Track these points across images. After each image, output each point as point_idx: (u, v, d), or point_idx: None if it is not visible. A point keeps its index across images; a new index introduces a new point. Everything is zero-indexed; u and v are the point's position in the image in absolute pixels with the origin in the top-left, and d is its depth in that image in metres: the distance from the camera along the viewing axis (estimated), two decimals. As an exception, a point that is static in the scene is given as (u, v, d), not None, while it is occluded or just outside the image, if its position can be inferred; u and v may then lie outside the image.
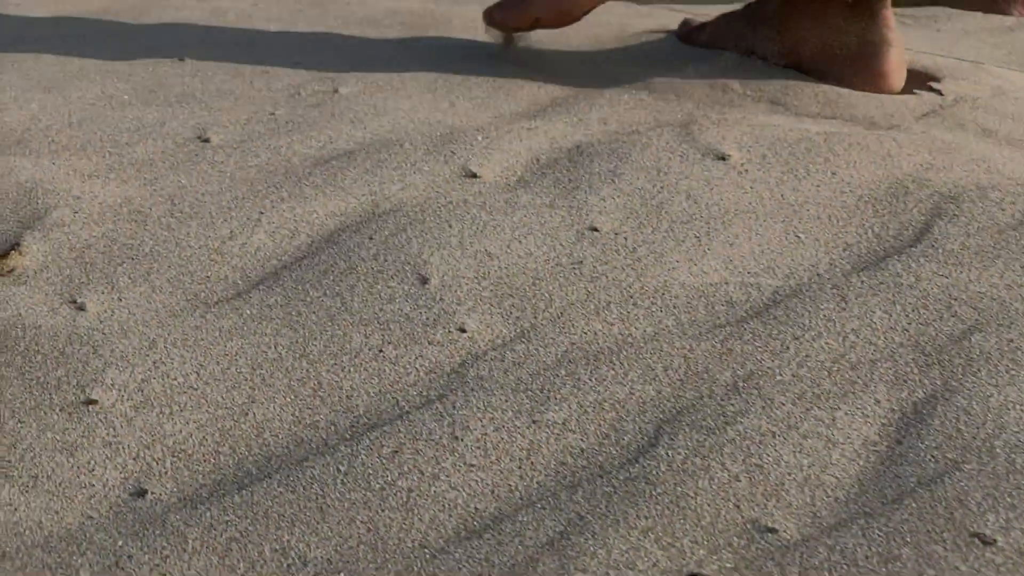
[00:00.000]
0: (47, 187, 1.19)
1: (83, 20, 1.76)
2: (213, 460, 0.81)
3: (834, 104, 1.38)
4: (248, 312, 0.98)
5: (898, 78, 1.43)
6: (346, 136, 1.31)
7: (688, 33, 1.63)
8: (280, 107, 1.41)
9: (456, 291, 0.99)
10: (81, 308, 0.99)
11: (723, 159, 1.22)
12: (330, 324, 0.96)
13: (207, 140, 1.32)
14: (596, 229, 1.08)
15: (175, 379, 0.90)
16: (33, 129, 1.35)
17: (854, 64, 1.42)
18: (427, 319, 0.96)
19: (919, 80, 1.46)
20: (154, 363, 0.91)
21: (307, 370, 0.90)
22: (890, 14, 1.43)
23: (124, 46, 1.63)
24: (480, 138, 1.28)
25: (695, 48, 1.61)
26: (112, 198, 1.17)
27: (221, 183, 1.20)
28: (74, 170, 1.24)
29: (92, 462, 0.81)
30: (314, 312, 0.97)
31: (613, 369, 0.89)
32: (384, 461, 0.80)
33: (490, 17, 1.56)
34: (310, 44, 1.64)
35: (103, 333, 0.95)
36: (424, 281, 1.01)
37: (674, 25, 1.73)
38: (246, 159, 1.26)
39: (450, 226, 1.09)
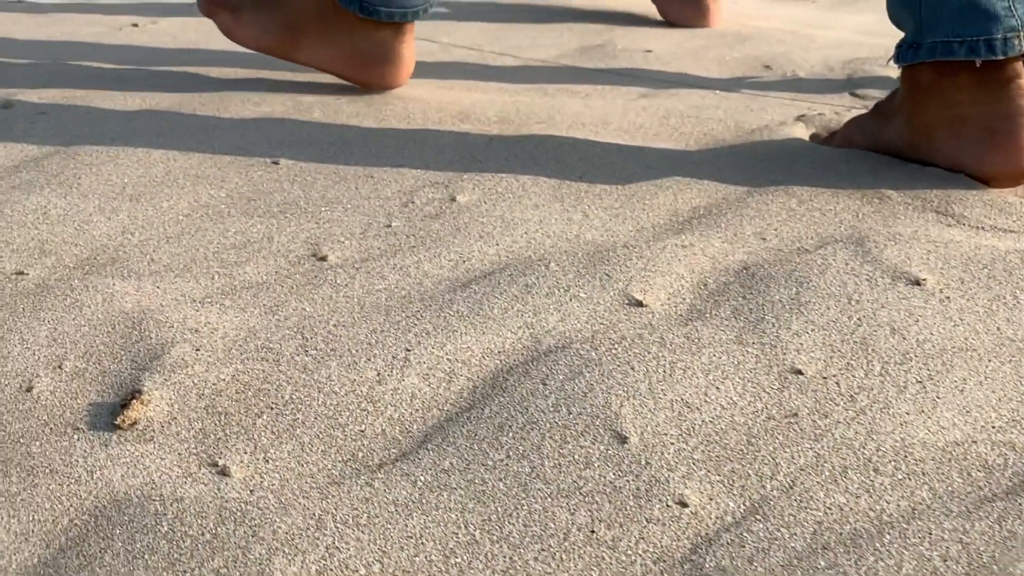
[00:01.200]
0: (158, 317, 1.05)
1: (158, 115, 1.64)
2: None
3: (1007, 213, 1.26)
4: (422, 479, 0.84)
5: None
6: (479, 254, 1.18)
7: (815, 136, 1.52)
8: (395, 218, 1.28)
9: (662, 452, 0.85)
10: (224, 472, 0.85)
11: (917, 284, 1.08)
12: (524, 496, 0.82)
13: (323, 258, 1.18)
14: (800, 372, 0.95)
15: (356, 571, 0.75)
16: (127, 245, 1.22)
17: (989, 140, 1.29)
18: (637, 489, 0.82)
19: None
20: (327, 549, 0.77)
21: (511, 558, 0.76)
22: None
23: (209, 146, 1.50)
24: (634, 258, 1.15)
25: (826, 148, 1.49)
26: (233, 330, 1.04)
27: (352, 312, 1.07)
28: (183, 295, 1.11)
29: None
30: (501, 480, 0.83)
31: (881, 559, 0.74)
32: None
33: None
34: (409, 142, 1.51)
35: (258, 508, 0.81)
36: (622, 440, 0.87)
37: (789, 119, 1.62)
38: (372, 281, 1.13)
39: (633, 369, 0.95)
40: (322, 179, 1.39)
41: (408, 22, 1.69)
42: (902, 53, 1.38)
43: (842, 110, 1.67)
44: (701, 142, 1.54)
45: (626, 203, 1.31)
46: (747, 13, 2.48)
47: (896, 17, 1.41)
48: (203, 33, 2.26)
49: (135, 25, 2.34)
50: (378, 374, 0.97)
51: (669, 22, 2.36)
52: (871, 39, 2.25)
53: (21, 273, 1.16)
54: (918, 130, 1.37)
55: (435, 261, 1.17)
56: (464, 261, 1.17)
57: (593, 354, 0.98)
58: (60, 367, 0.98)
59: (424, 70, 1.91)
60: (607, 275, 1.12)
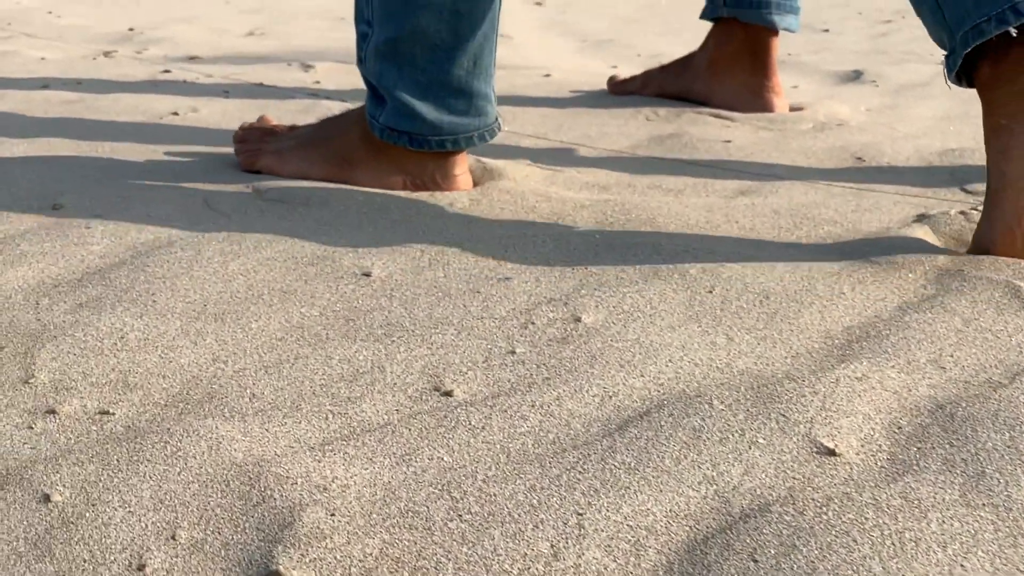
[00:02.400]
0: (276, 471, 0.91)
1: (224, 218, 1.50)
2: None
3: None
4: None
5: None
6: (625, 387, 1.04)
7: None
8: (518, 343, 1.14)
9: (924, 656, 0.71)
10: None
11: None
12: None
13: (448, 393, 1.04)
14: (1050, 542, 0.81)
15: None
16: (221, 376, 1.08)
17: None
18: None
19: None
20: None
21: None
22: None
23: (289, 254, 1.37)
24: (807, 394, 1.01)
25: (963, 255, 1.36)
26: (368, 488, 0.89)
27: (498, 463, 0.93)
28: (298, 440, 0.96)
29: None
30: None
31: None
32: None
33: None
34: (508, 248, 1.38)
35: None
36: (872, 638, 0.73)
37: (909, 219, 1.49)
38: (512, 423, 0.99)
39: (855, 541, 0.81)
40: (423, 295, 1.26)
41: (461, 150, 1.59)
42: (949, 65, 1.31)
43: (959, 206, 1.55)
44: (823, 247, 1.41)
45: (769, 323, 1.18)
46: (807, 99, 2.36)
47: (936, 37, 1.34)
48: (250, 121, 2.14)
49: (175, 114, 2.21)
50: (552, 546, 0.82)
51: (720, 107, 2.25)
52: (955, 126, 2.14)
53: (106, 413, 1.02)
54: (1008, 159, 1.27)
55: (577, 397, 1.03)
56: (610, 397, 1.03)
57: (801, 521, 0.84)
58: (173, 537, 0.84)
59: (498, 157, 1.79)
60: (783, 415, 0.98)
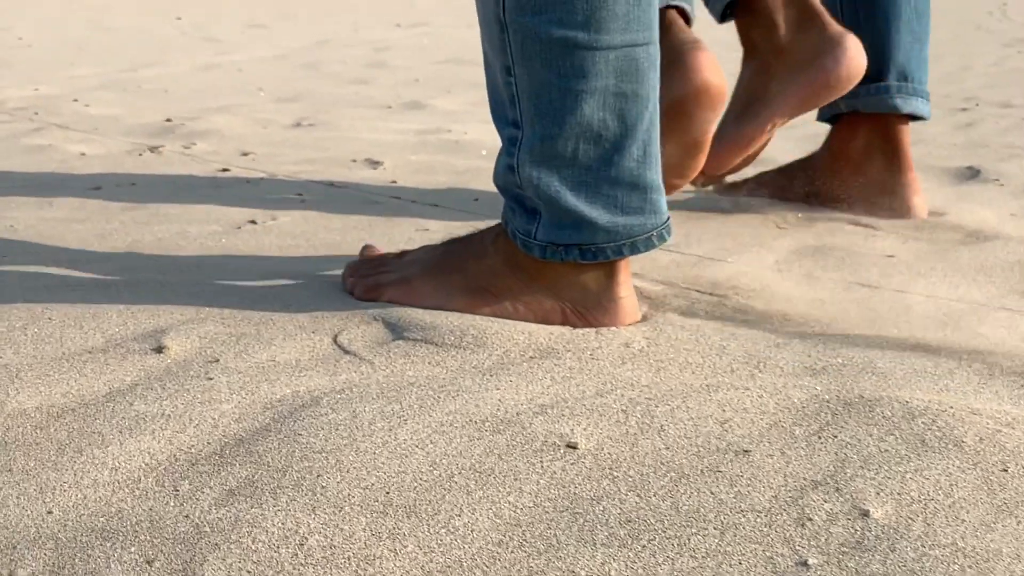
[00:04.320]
0: None
1: (365, 364, 1.27)
2: None
3: None
4: None
5: None
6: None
7: None
8: (804, 549, 0.91)
9: None
10: None
11: None
12: None
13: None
14: None
15: None
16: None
17: None
18: None
19: None
20: None
21: None
22: None
23: (468, 417, 1.14)
24: None
25: None
26: None
27: None
28: None
29: None
30: None
31: None
32: None
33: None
34: (722, 403, 1.15)
35: None
36: None
37: None
38: None
39: None
40: (653, 475, 1.02)
41: (639, 253, 1.36)
42: None
43: None
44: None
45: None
46: (940, 205, 2.15)
47: None
48: (337, 231, 1.91)
49: (253, 223, 1.99)
50: None
51: (852, 211, 2.04)
52: None
53: (315, 666, 0.77)
54: None
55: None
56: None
57: None
58: None
59: (640, 278, 1.56)
60: None
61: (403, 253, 1.55)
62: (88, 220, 1.97)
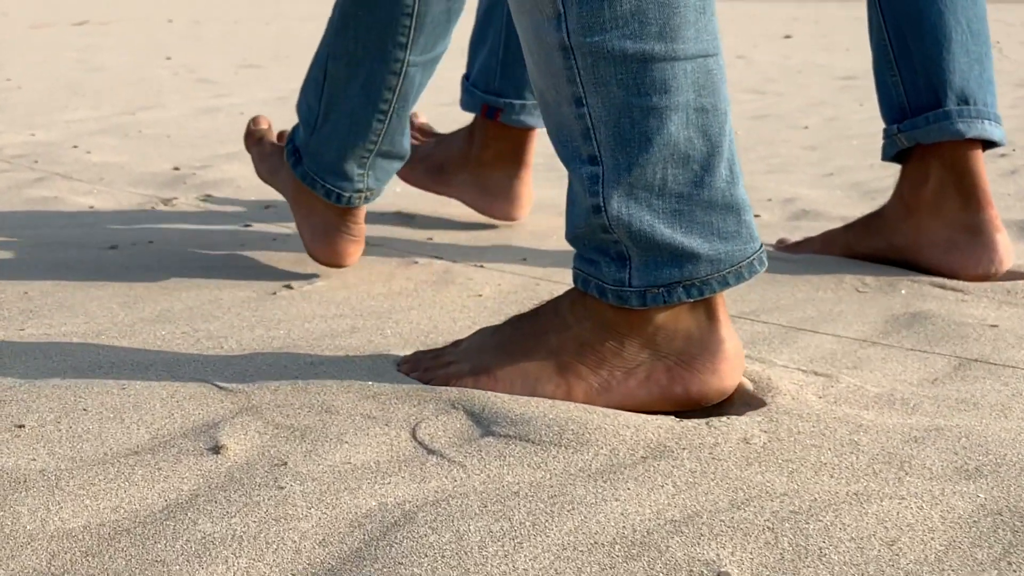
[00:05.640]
0: None
1: (450, 469, 1.11)
2: None
3: None
4: None
5: None
6: None
7: None
8: None
9: None
10: None
11: None
12: None
13: None
14: None
15: None
16: None
17: None
18: None
19: None
20: None
21: None
22: None
23: (592, 537, 0.98)
24: None
25: None
26: None
27: None
28: None
29: None
30: None
31: None
32: None
33: None
34: (885, 521, 0.99)
35: None
36: None
37: None
38: None
39: None
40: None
41: (731, 286, 1.25)
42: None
43: None
44: None
45: None
46: (1018, 263, 2.01)
47: None
48: (382, 297, 1.75)
49: (288, 287, 1.83)
50: None
51: (932, 263, 1.90)
52: None
53: None
54: None
55: None
56: None
57: None
58: None
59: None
60: None
61: (458, 342, 1.40)
62: (108, 285, 1.81)
